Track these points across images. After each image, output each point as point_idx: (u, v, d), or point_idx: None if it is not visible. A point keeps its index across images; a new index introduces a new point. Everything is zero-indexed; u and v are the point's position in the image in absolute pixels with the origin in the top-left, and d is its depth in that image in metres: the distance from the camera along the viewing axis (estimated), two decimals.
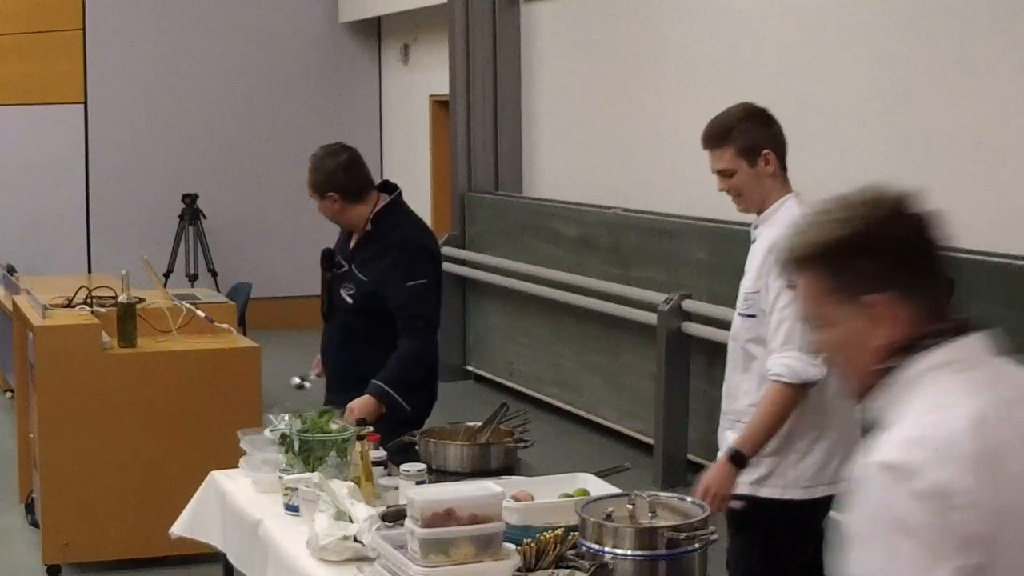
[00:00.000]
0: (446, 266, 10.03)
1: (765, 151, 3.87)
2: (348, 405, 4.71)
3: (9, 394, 8.75)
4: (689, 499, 3.34)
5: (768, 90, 7.39)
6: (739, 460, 3.69)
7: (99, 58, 12.33)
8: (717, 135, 3.89)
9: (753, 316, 3.81)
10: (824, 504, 3.80)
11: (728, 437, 3.84)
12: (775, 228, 3.77)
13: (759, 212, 3.90)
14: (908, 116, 6.50)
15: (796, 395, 3.68)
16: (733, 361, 3.93)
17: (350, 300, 4.97)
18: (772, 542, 3.84)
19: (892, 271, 1.99)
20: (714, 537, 3.12)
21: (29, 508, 6.64)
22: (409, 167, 12.24)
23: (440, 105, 11.55)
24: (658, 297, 7.55)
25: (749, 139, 3.86)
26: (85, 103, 12.36)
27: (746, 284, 3.87)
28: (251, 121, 12.71)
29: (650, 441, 7.60)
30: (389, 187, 5.10)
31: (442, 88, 10.87)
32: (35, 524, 6.37)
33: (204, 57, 12.56)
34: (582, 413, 8.78)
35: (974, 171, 6.12)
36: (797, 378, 3.66)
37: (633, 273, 8.10)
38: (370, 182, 5.02)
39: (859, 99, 6.78)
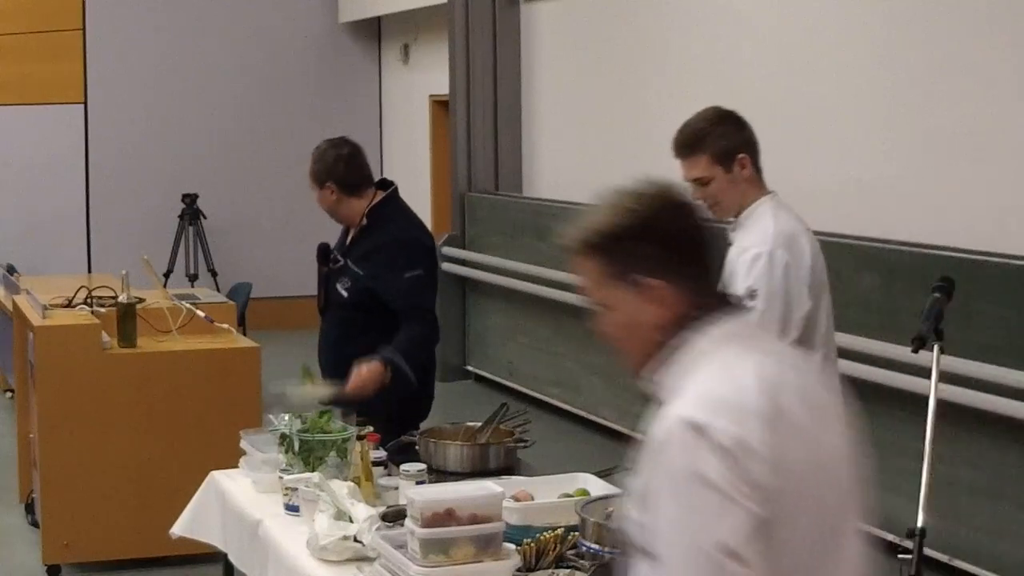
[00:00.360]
0: (446, 266, 10.07)
1: (740, 155, 3.78)
2: (356, 365, 4.67)
3: (9, 394, 8.75)
4: None
5: (768, 90, 7.39)
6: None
7: (99, 58, 12.32)
8: (690, 142, 3.78)
9: None
10: None
11: None
12: (750, 232, 3.73)
13: (736, 215, 3.83)
14: (908, 116, 6.50)
15: None
16: None
17: (345, 294, 4.98)
18: None
19: (667, 256, 2.12)
20: None
21: (29, 508, 6.64)
22: (409, 167, 12.24)
23: (440, 105, 11.55)
24: None
25: (724, 144, 3.77)
26: (85, 103, 12.36)
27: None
28: (251, 121, 12.70)
29: None
30: (385, 184, 5.12)
31: (442, 88, 10.87)
32: (35, 524, 6.36)
33: (204, 57, 12.56)
34: (582, 413, 8.78)
35: (974, 171, 6.12)
36: None
37: None
38: (369, 178, 5.04)
39: (859, 99, 6.78)
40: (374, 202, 5.00)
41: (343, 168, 4.95)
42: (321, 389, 4.65)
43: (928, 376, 3.07)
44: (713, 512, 1.96)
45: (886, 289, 6.11)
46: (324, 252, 5.13)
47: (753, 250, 3.66)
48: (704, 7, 8.03)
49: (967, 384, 5.53)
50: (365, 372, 4.66)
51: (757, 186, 3.83)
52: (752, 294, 3.62)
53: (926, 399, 3.01)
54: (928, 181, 6.39)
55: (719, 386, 2.05)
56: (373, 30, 13.07)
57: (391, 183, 5.12)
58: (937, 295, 3.28)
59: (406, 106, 12.57)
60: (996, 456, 5.59)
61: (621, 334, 2.19)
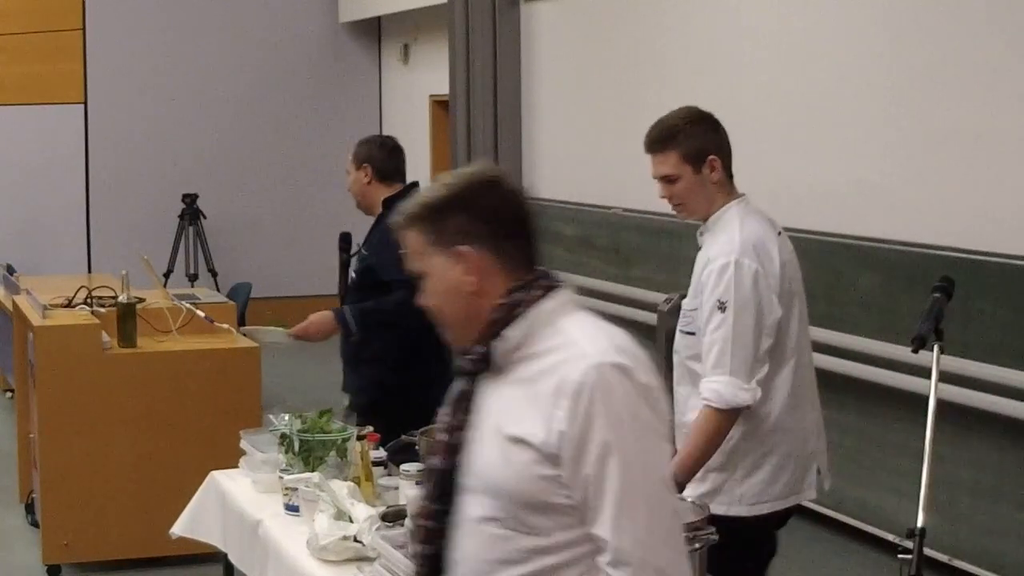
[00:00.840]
0: None
1: (711, 157, 3.70)
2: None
3: (9, 394, 8.75)
4: (689, 499, 3.34)
5: (768, 90, 7.39)
6: (676, 486, 3.50)
7: (99, 58, 12.32)
8: (662, 138, 3.73)
9: (692, 334, 3.71)
10: (772, 520, 3.77)
11: None
12: (716, 240, 3.69)
13: (704, 219, 3.78)
14: (908, 116, 6.50)
15: (726, 420, 3.58)
16: (679, 375, 3.82)
17: (355, 276, 5.24)
18: (715, 558, 3.73)
19: (482, 227, 2.27)
20: (714, 537, 3.11)
21: (29, 508, 6.64)
22: (409, 167, 12.20)
23: (440, 105, 11.55)
24: (658, 297, 7.55)
25: (695, 144, 3.70)
26: (85, 103, 12.35)
27: (686, 300, 3.78)
28: (251, 121, 12.70)
29: None
30: (414, 185, 5.42)
31: (442, 88, 10.87)
32: (35, 524, 6.37)
33: (204, 57, 12.56)
34: None
35: (974, 171, 6.12)
36: (725, 404, 3.55)
37: (633, 273, 8.10)
38: (402, 173, 5.37)
39: (859, 99, 6.77)
40: (394, 194, 5.25)
41: (382, 154, 5.32)
42: (277, 330, 5.25)
43: (928, 376, 3.06)
44: (655, 448, 2.19)
45: (886, 289, 6.11)
46: (345, 240, 5.44)
47: (720, 260, 3.62)
48: (704, 7, 8.02)
49: (967, 384, 5.53)
50: (314, 318, 5.09)
51: (726, 190, 3.75)
52: (722, 305, 3.59)
53: (926, 399, 3.00)
54: (928, 181, 6.38)
55: (611, 336, 2.23)
56: (373, 30, 13.07)
57: (417, 184, 5.37)
58: (937, 295, 3.27)
59: (406, 106, 12.57)
60: (996, 456, 5.59)
61: (443, 302, 2.31)
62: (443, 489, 2.30)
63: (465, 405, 2.31)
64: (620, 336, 2.25)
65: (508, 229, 2.31)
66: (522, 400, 2.21)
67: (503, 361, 2.27)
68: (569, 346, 2.21)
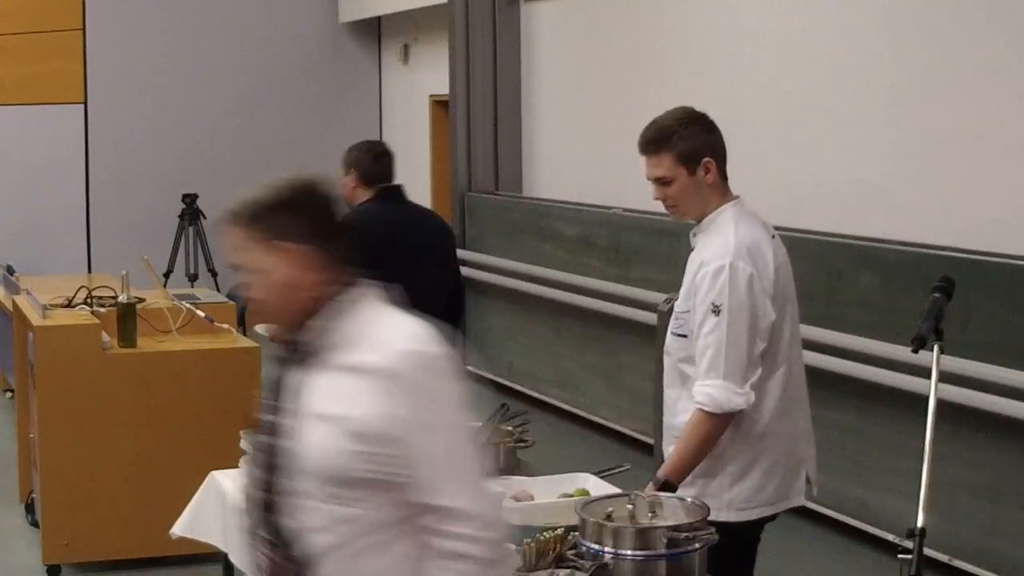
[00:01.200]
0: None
1: (706, 159, 3.66)
2: None
3: (9, 394, 8.75)
4: (689, 499, 3.34)
5: (768, 90, 7.40)
6: (669, 488, 3.54)
7: (99, 58, 12.33)
8: (656, 140, 3.70)
9: (684, 336, 3.68)
10: (760, 525, 3.76)
11: (670, 453, 3.75)
12: (711, 242, 3.66)
13: (698, 220, 3.75)
14: (908, 116, 6.50)
15: (719, 424, 3.57)
16: (670, 376, 3.80)
17: None
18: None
19: (303, 225, 2.50)
20: (715, 538, 3.11)
21: (29, 508, 6.64)
22: (409, 167, 12.19)
23: (440, 105, 11.55)
24: (658, 297, 7.54)
25: (690, 145, 3.66)
26: (85, 103, 12.36)
27: (678, 302, 3.74)
28: (251, 121, 12.70)
29: (650, 441, 7.59)
30: (390, 189, 5.51)
31: (442, 88, 10.88)
32: (35, 524, 6.37)
33: (204, 57, 12.56)
34: (582, 413, 8.78)
35: (974, 171, 6.12)
36: (719, 408, 3.54)
37: (633, 273, 8.10)
38: (387, 177, 5.52)
39: (859, 99, 6.78)
40: (367, 199, 5.44)
41: (369, 160, 5.50)
42: None
43: (928, 376, 3.06)
44: (459, 418, 2.44)
45: (886, 289, 6.11)
46: None
47: (715, 263, 3.60)
48: (704, 7, 8.03)
49: (967, 384, 5.53)
50: None
51: (720, 192, 3.72)
52: (717, 309, 3.58)
53: (926, 399, 3.00)
54: (928, 181, 6.39)
55: (409, 326, 2.47)
56: (373, 30, 13.07)
57: (394, 189, 5.51)
58: (937, 295, 3.26)
59: (406, 106, 12.58)
60: (996, 456, 5.59)
61: (268, 295, 2.52)
62: (269, 463, 2.52)
63: (281, 389, 2.52)
64: (417, 326, 2.47)
65: (326, 229, 2.53)
66: (331, 383, 2.44)
67: (313, 349, 2.48)
68: (372, 335, 2.45)
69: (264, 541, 2.53)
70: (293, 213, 2.51)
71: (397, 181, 5.61)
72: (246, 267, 2.52)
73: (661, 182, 3.71)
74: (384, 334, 2.45)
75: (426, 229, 5.58)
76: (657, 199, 3.79)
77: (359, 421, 2.38)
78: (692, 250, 3.77)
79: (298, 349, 2.51)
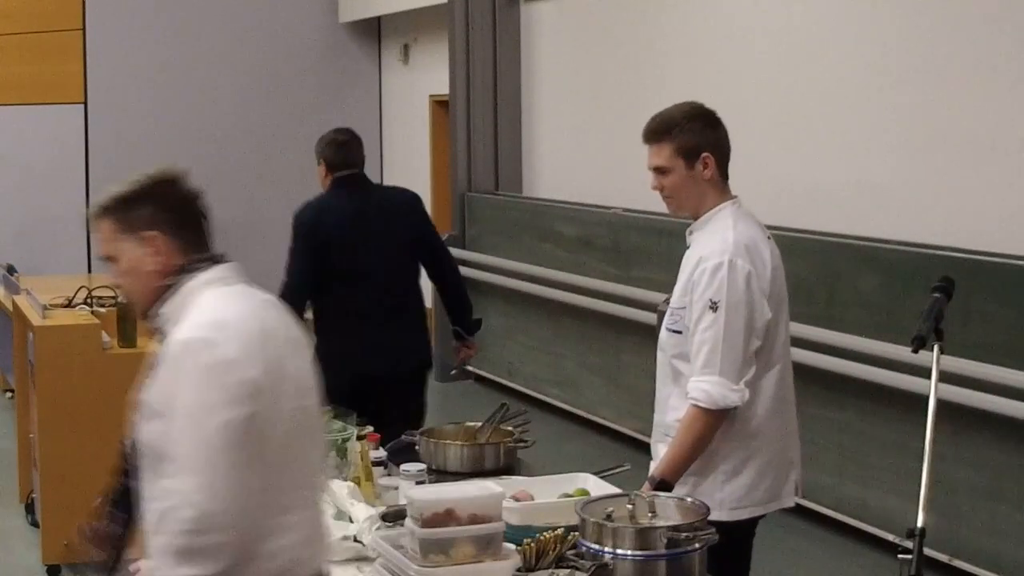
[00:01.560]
0: None
1: (705, 154, 3.68)
2: None
3: (9, 394, 8.75)
4: (689, 499, 3.34)
5: (768, 90, 7.40)
6: (665, 487, 3.55)
7: (99, 58, 12.32)
8: (658, 130, 3.74)
9: (679, 332, 3.69)
10: (752, 524, 3.75)
11: (660, 450, 3.76)
12: (709, 240, 3.67)
13: (695, 217, 3.76)
14: (909, 116, 6.50)
15: (714, 420, 3.57)
16: (662, 373, 3.81)
17: None
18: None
19: (162, 215, 2.72)
20: (715, 538, 3.11)
21: (29, 508, 6.64)
22: (409, 167, 12.24)
23: (440, 105, 11.55)
24: (658, 297, 7.53)
25: (690, 139, 3.69)
26: (85, 103, 12.35)
27: (673, 298, 3.75)
28: (251, 121, 12.70)
29: (650, 441, 7.60)
30: (354, 176, 5.65)
31: (442, 88, 10.88)
32: (35, 524, 6.36)
33: (204, 57, 12.56)
34: (582, 413, 8.78)
35: (975, 171, 6.13)
36: (714, 404, 3.55)
37: (633, 273, 8.10)
38: (350, 164, 5.61)
39: (860, 99, 6.78)
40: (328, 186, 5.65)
41: (332, 150, 5.62)
42: None
43: (928, 376, 3.06)
44: (221, 405, 2.54)
45: (886, 289, 6.11)
46: None
47: (713, 260, 3.61)
48: (704, 7, 8.03)
49: (967, 384, 5.53)
50: None
51: (719, 190, 3.74)
52: (714, 305, 3.58)
53: (926, 399, 3.00)
54: (929, 181, 6.39)
55: (215, 313, 2.64)
56: (373, 30, 13.07)
57: (349, 177, 5.61)
58: (937, 295, 3.26)
59: (406, 106, 12.58)
60: (996, 456, 5.59)
61: (129, 280, 2.76)
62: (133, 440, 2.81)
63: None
64: (233, 311, 2.65)
65: (186, 218, 2.75)
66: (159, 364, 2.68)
67: (163, 331, 2.72)
68: (184, 319, 2.66)
69: (112, 514, 2.81)
70: (157, 204, 2.73)
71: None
72: (107, 256, 2.76)
73: (659, 171, 3.75)
74: (187, 318, 2.65)
75: (383, 213, 5.61)
76: (655, 188, 3.82)
77: (151, 398, 2.67)
78: (688, 248, 3.78)
79: (156, 331, 2.76)
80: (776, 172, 7.09)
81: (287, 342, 2.71)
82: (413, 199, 5.77)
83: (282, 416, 2.63)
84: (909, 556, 2.77)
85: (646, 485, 3.58)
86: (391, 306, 5.53)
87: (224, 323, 2.62)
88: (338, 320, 5.53)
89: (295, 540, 2.69)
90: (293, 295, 5.29)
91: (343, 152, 5.63)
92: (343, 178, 5.61)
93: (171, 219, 2.72)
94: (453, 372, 6.11)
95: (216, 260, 2.75)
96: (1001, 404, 5.47)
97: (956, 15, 6.22)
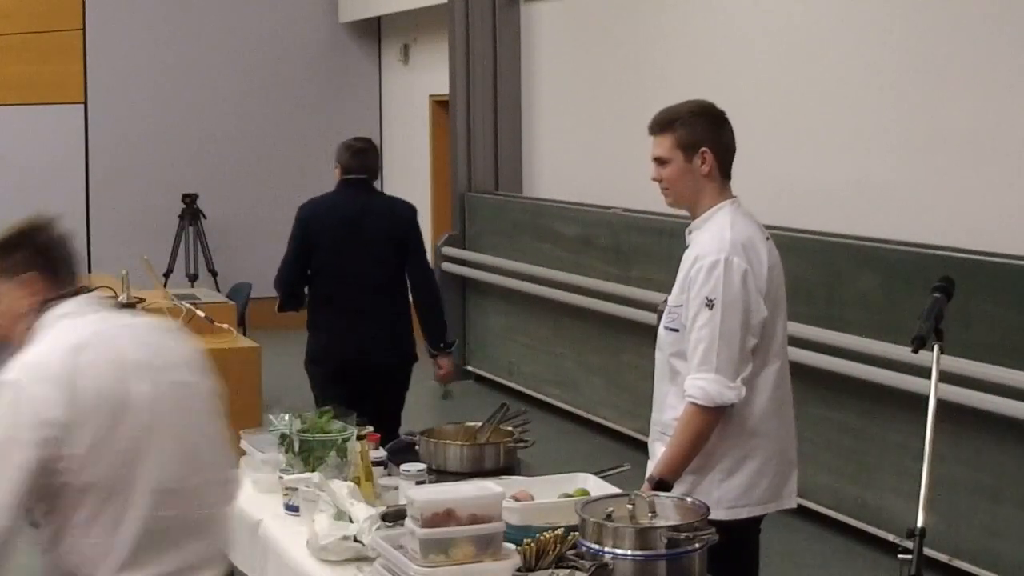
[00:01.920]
0: (445, 266, 10.08)
1: (703, 149, 3.72)
2: None
3: None
4: (689, 499, 3.34)
5: (768, 90, 7.40)
6: (664, 487, 3.56)
7: (99, 58, 12.32)
8: (662, 122, 3.80)
9: (676, 331, 3.70)
10: (751, 524, 3.75)
11: (656, 449, 3.76)
12: (706, 239, 3.68)
13: (693, 216, 3.79)
14: (909, 116, 6.50)
15: (712, 418, 3.58)
16: (660, 372, 3.82)
17: None
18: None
19: (35, 259, 2.94)
20: (715, 538, 3.11)
21: None
22: (409, 167, 12.24)
23: (440, 105, 11.55)
24: (658, 297, 7.52)
25: (691, 133, 3.74)
26: (85, 103, 12.36)
27: (671, 296, 3.77)
28: (251, 121, 12.70)
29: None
30: (359, 180, 5.98)
31: (442, 88, 10.88)
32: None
33: (204, 57, 12.56)
34: (582, 413, 8.78)
35: (975, 171, 6.13)
36: (711, 401, 3.56)
37: (633, 273, 8.10)
38: (364, 170, 5.98)
39: (859, 99, 6.78)
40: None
41: (348, 155, 5.96)
42: None
43: (928, 376, 3.06)
44: (19, 443, 2.73)
45: (886, 289, 6.11)
46: None
47: (710, 258, 3.62)
48: (704, 7, 8.03)
49: (967, 384, 5.53)
50: None
51: (718, 187, 3.76)
52: (710, 303, 3.59)
53: (926, 399, 3.00)
54: (928, 181, 6.39)
55: (37, 353, 2.79)
56: (373, 30, 13.07)
57: (354, 181, 5.94)
58: (937, 295, 3.26)
59: (406, 106, 12.58)
60: (996, 456, 5.59)
61: (6, 321, 2.93)
62: None
63: None
64: (45, 347, 2.80)
65: (54, 257, 2.97)
66: None
67: None
68: (23, 354, 2.81)
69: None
70: (32, 248, 2.95)
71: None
72: None
73: (659, 162, 3.80)
74: (20, 358, 2.81)
75: (378, 219, 5.94)
76: (654, 179, 3.85)
77: None
78: (687, 247, 3.79)
79: None
80: (776, 172, 7.09)
81: (136, 367, 2.84)
82: (410, 210, 6.07)
83: (114, 438, 2.78)
84: (909, 556, 2.77)
85: (646, 485, 3.58)
86: (373, 303, 5.84)
87: (33, 364, 2.77)
88: (323, 314, 5.89)
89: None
90: (282, 281, 5.93)
91: (358, 158, 5.97)
92: (349, 180, 5.95)
93: (41, 260, 2.95)
94: (443, 396, 6.60)
95: (77, 293, 2.95)
96: (1001, 404, 5.47)
97: (956, 15, 6.22)
